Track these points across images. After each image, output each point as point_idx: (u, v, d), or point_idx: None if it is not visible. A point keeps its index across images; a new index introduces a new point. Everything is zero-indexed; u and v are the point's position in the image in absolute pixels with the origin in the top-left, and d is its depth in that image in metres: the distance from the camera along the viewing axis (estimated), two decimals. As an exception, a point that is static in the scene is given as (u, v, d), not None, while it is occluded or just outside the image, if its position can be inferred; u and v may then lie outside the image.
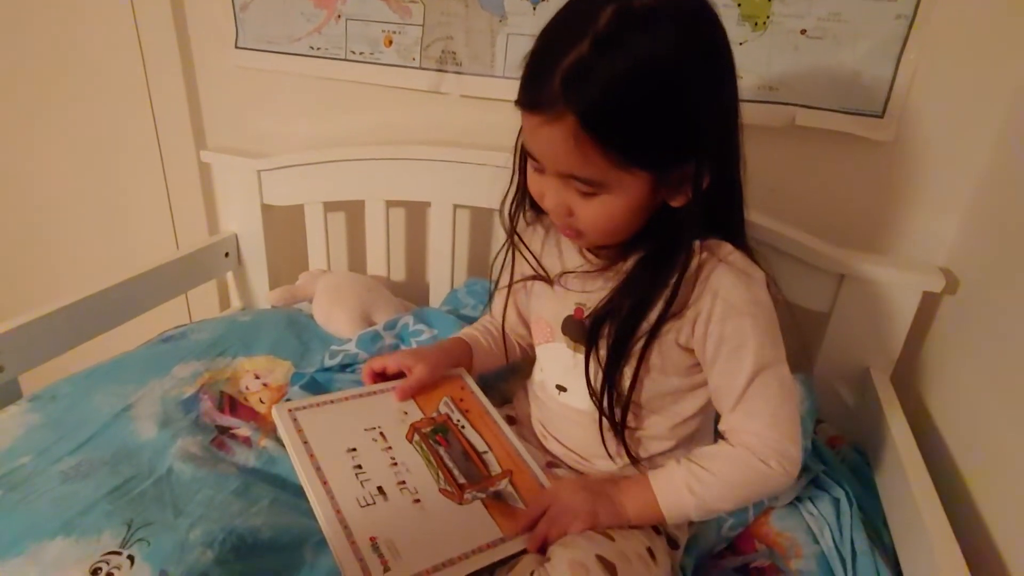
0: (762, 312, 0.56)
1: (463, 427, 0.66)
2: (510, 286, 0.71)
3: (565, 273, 0.65)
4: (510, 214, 0.67)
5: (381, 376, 0.71)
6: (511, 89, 1.04)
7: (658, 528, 0.61)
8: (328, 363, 0.86)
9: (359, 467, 0.59)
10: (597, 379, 0.60)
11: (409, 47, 1.00)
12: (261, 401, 0.82)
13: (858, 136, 0.83)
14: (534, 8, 0.91)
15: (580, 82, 0.48)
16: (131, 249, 1.37)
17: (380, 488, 0.57)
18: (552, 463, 0.68)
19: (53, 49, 1.23)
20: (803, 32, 0.82)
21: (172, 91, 1.16)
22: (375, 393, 0.68)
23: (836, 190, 0.89)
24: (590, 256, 0.64)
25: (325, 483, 0.56)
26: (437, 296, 1.08)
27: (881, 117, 0.82)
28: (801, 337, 0.64)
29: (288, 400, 0.69)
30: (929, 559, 0.57)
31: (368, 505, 0.55)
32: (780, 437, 0.56)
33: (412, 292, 1.14)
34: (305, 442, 0.60)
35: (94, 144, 1.29)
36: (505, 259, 0.69)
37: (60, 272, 1.48)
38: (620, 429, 0.60)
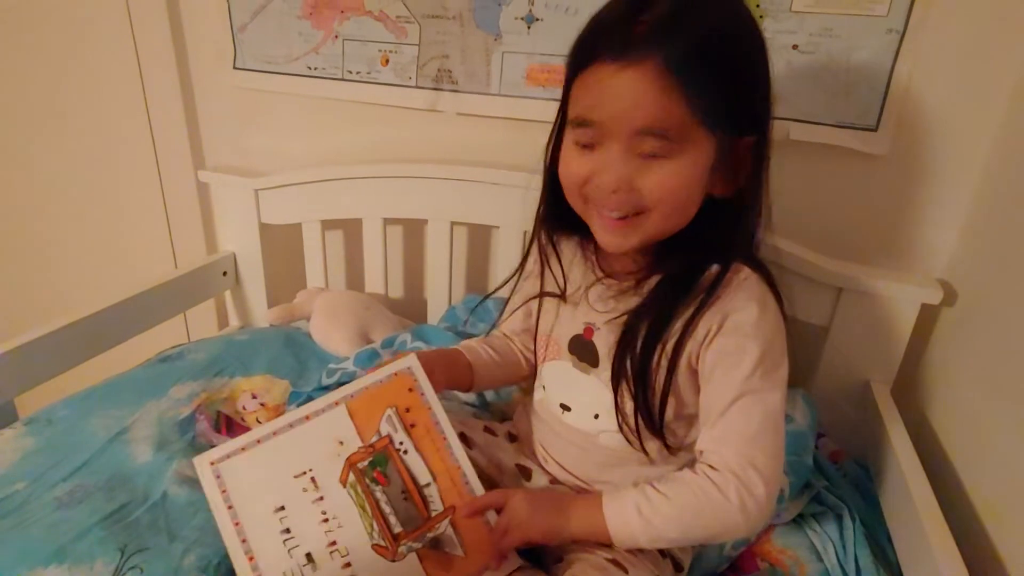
0: (766, 339, 0.55)
1: (405, 452, 0.60)
2: (538, 297, 0.69)
3: (588, 287, 0.63)
4: (543, 226, 0.66)
5: None
6: (507, 106, 1.05)
7: (664, 552, 0.61)
8: (325, 381, 0.85)
9: (287, 531, 0.56)
10: (614, 404, 0.59)
11: (405, 66, 1.00)
12: (258, 421, 0.82)
13: (853, 149, 0.84)
14: (528, 27, 0.92)
15: (665, 25, 0.50)
16: (129, 268, 1.37)
17: (309, 555, 0.55)
18: (553, 482, 0.67)
19: (52, 69, 1.24)
20: (795, 47, 0.82)
21: (171, 111, 1.17)
22: (307, 419, 0.60)
23: (832, 203, 0.89)
24: (607, 280, 0.62)
25: (251, 559, 0.54)
26: (435, 313, 1.08)
27: (875, 130, 0.83)
28: (801, 351, 0.64)
29: (212, 447, 0.61)
30: (934, 575, 0.56)
31: None
32: (746, 467, 0.52)
33: (410, 309, 1.14)
34: (230, 506, 0.56)
35: (93, 163, 1.29)
36: (520, 275, 0.69)
37: (58, 292, 1.47)
38: (665, 443, 0.59)
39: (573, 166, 0.57)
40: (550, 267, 0.66)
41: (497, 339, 0.76)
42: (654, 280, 0.58)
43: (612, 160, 0.53)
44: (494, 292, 0.74)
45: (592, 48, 0.52)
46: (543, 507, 0.57)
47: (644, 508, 0.54)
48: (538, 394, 0.70)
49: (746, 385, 0.54)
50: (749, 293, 0.55)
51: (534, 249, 0.67)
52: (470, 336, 0.95)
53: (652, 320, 0.56)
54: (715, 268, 0.56)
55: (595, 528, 0.56)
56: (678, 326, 0.56)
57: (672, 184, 0.53)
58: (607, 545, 0.57)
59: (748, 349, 0.54)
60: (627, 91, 0.51)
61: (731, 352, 0.55)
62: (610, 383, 0.59)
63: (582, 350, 0.63)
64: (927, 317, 0.83)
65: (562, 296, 0.66)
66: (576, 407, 0.65)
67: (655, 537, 0.55)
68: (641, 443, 0.60)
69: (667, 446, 0.60)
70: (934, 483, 0.66)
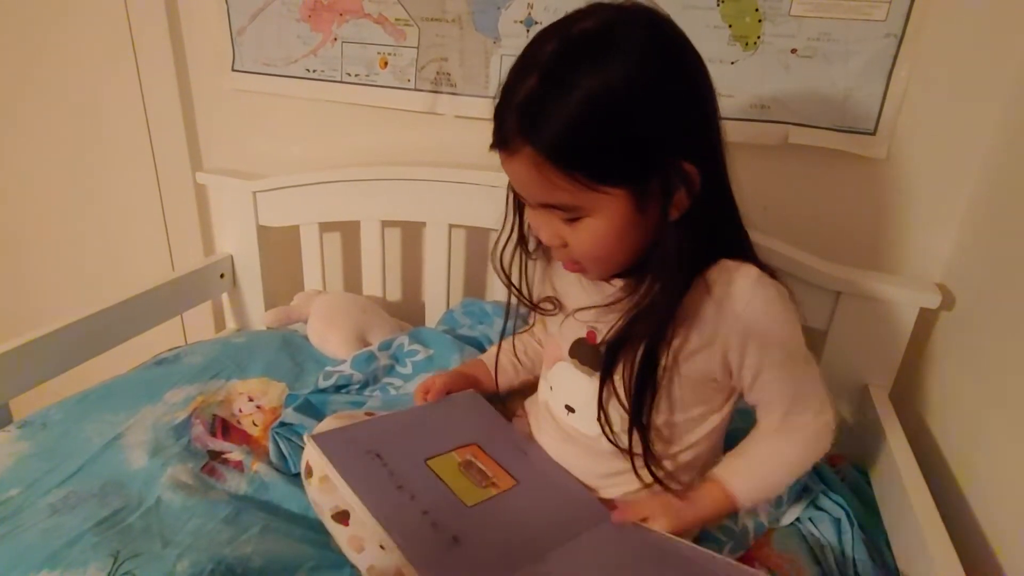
0: (793, 329, 0.58)
1: None
2: (543, 307, 0.69)
3: (580, 309, 0.63)
4: (500, 257, 0.66)
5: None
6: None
7: None
8: (322, 384, 0.85)
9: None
10: (608, 406, 0.59)
11: (404, 69, 1.00)
12: (254, 424, 0.81)
13: (851, 153, 0.84)
14: (527, 30, 0.92)
15: (530, 114, 0.50)
16: (126, 270, 1.37)
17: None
18: None
19: (51, 71, 1.24)
20: (793, 51, 0.82)
21: (169, 113, 1.17)
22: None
23: (831, 207, 0.89)
24: (605, 287, 0.62)
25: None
26: (433, 316, 1.08)
27: (873, 134, 0.83)
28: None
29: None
30: (933, 581, 0.56)
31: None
32: (824, 410, 0.61)
33: (408, 312, 1.14)
34: None
35: (90, 165, 1.29)
36: (510, 297, 0.68)
37: (54, 293, 1.47)
38: (646, 460, 0.59)
39: (528, 217, 0.60)
40: (528, 284, 0.67)
41: (528, 340, 0.78)
42: (646, 288, 0.57)
43: (541, 222, 0.57)
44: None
45: (493, 131, 0.54)
46: (676, 504, 0.60)
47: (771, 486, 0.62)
48: (545, 393, 0.70)
49: (795, 376, 0.59)
50: (764, 298, 0.55)
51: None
52: (467, 338, 0.95)
53: (648, 329, 0.56)
54: (715, 266, 0.56)
55: (725, 508, 0.61)
56: (677, 333, 0.56)
57: (593, 241, 0.55)
58: None
59: (786, 350, 0.58)
60: (516, 175, 0.55)
61: (771, 363, 0.58)
62: (608, 386, 0.59)
63: (584, 353, 0.63)
64: (925, 321, 0.83)
65: (552, 314, 0.66)
66: (580, 409, 0.65)
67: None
68: (617, 445, 0.60)
69: (652, 455, 0.60)
70: (932, 487, 0.65)
